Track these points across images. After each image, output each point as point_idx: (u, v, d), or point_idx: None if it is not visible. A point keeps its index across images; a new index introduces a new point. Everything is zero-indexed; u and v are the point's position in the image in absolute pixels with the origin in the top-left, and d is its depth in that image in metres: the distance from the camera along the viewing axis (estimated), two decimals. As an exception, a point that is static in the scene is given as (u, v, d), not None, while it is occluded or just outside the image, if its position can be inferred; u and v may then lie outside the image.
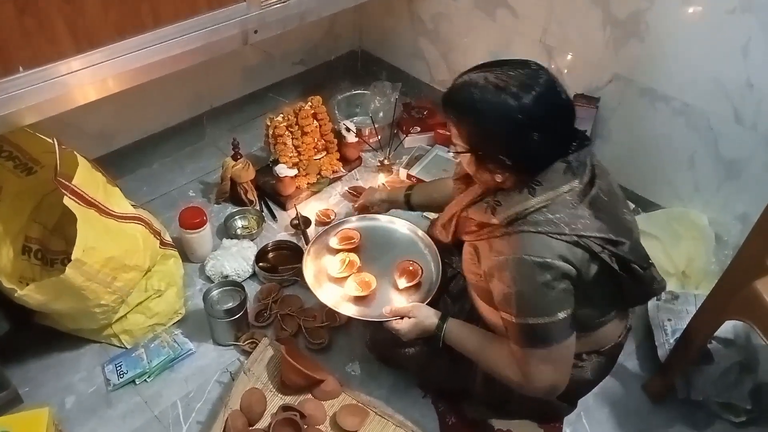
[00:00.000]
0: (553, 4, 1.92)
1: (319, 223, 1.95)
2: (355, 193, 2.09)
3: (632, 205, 1.96)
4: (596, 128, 1.97)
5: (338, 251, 1.57)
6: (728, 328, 1.53)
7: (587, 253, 1.12)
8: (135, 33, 1.47)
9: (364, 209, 1.77)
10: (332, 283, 1.51)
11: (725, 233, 1.84)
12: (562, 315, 1.13)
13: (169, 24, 1.51)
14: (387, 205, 1.75)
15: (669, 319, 1.65)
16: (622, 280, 1.19)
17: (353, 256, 1.55)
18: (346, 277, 1.50)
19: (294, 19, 1.79)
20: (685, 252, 1.78)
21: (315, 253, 1.57)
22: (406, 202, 1.70)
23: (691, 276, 1.78)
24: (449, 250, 1.56)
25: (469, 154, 1.17)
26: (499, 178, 1.16)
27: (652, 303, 1.71)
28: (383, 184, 2.03)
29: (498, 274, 1.16)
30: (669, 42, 1.73)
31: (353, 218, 1.68)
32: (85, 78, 1.42)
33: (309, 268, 1.53)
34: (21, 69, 1.33)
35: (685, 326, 1.51)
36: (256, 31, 1.70)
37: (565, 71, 1.98)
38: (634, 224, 1.23)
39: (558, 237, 1.10)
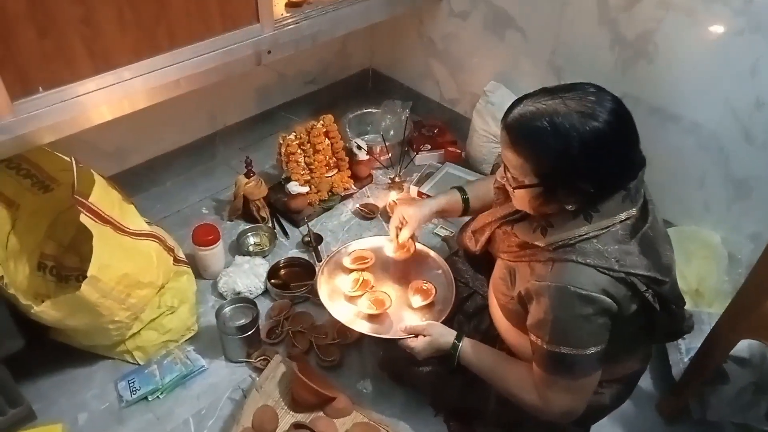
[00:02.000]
0: (561, 25, 1.94)
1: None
2: (366, 210, 2.10)
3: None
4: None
5: (352, 271, 1.58)
6: (743, 347, 1.51)
7: (630, 291, 1.09)
8: (151, 54, 1.50)
9: (402, 227, 1.55)
10: (346, 301, 1.52)
11: (737, 252, 1.83)
12: (593, 349, 1.10)
13: (185, 45, 1.55)
14: (439, 216, 1.62)
15: (683, 338, 1.64)
16: (657, 319, 1.15)
17: (367, 275, 1.56)
18: (359, 296, 1.51)
19: (307, 39, 1.82)
20: (697, 270, 1.77)
21: (329, 273, 1.58)
22: (465, 208, 1.55)
23: (704, 294, 1.77)
24: (463, 269, 1.56)
25: (534, 187, 1.10)
26: (570, 207, 1.10)
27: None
28: (395, 201, 2.04)
29: (537, 299, 1.13)
30: (678, 62, 1.74)
31: (365, 239, 1.69)
32: (102, 98, 1.45)
33: (323, 287, 1.53)
34: (41, 89, 1.36)
35: (699, 345, 1.50)
36: (269, 52, 1.73)
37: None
38: (673, 261, 1.19)
39: (605, 271, 1.07)
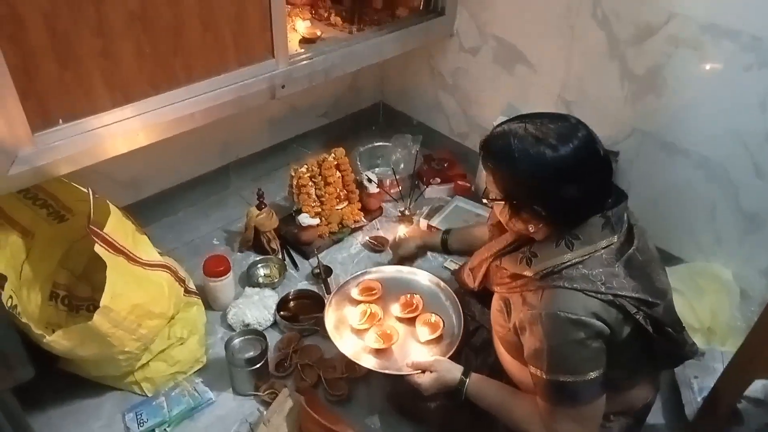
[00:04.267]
0: (571, 60, 1.97)
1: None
2: (375, 243, 2.10)
3: (654, 258, 1.95)
4: (616, 181, 1.97)
5: (359, 302, 1.58)
6: (758, 387, 1.48)
7: (621, 314, 1.10)
8: (168, 88, 1.53)
9: (402, 262, 1.81)
10: (353, 334, 1.51)
11: (750, 288, 1.82)
12: (593, 374, 1.11)
13: (201, 79, 1.58)
14: (423, 251, 1.81)
15: (695, 377, 1.61)
16: (654, 343, 1.16)
17: (375, 308, 1.55)
18: (367, 329, 1.50)
19: (320, 75, 1.86)
20: (709, 307, 1.76)
21: (336, 304, 1.58)
22: (443, 245, 1.72)
23: (716, 332, 1.75)
24: (471, 302, 1.56)
25: (503, 202, 1.18)
26: (532, 228, 1.16)
27: (677, 359, 1.67)
28: (404, 234, 2.05)
29: (530, 328, 1.14)
30: (687, 97, 1.75)
31: (374, 269, 1.70)
32: (120, 130, 1.48)
33: (330, 318, 1.53)
34: (60, 121, 1.39)
35: (712, 384, 1.47)
36: (283, 86, 1.76)
37: (584, 125, 2.01)
38: (668, 285, 1.21)
39: (593, 295, 1.09)
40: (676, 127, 1.81)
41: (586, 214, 1.13)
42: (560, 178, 1.09)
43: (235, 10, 1.54)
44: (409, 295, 1.60)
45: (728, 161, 1.74)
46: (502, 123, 1.17)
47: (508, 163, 1.12)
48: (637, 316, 1.11)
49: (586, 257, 1.12)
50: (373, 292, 1.60)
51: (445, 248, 1.73)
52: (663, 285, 1.19)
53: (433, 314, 1.53)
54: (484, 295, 1.47)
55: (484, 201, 1.24)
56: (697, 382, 1.60)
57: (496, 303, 1.31)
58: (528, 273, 1.16)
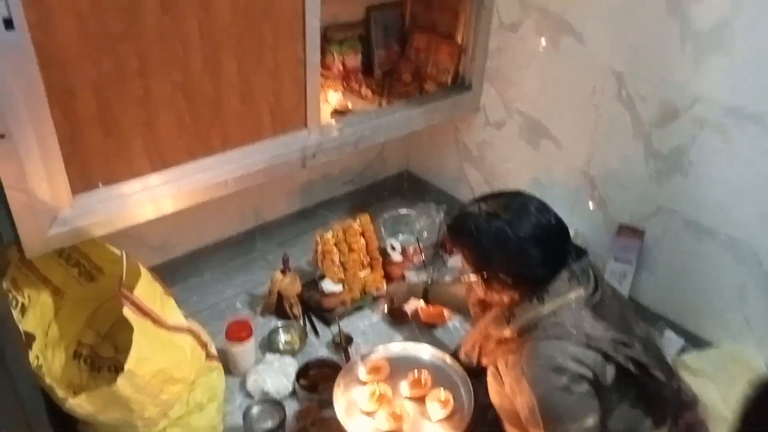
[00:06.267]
0: (595, 137, 2.00)
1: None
2: (394, 317, 2.08)
3: (681, 341, 1.92)
4: (641, 259, 1.97)
5: (368, 383, 1.57)
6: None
7: (600, 355, 1.15)
8: (204, 155, 1.59)
9: (388, 295, 2.00)
10: (364, 416, 1.50)
11: (784, 374, 1.76)
12: (590, 421, 1.13)
13: (236, 148, 1.64)
14: (409, 295, 1.95)
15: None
16: (645, 386, 1.20)
17: (384, 387, 1.55)
18: (377, 410, 1.49)
19: (349, 145, 1.91)
20: (741, 395, 1.69)
21: (345, 386, 1.58)
22: (424, 295, 1.86)
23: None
24: (481, 373, 1.55)
25: (476, 276, 1.28)
26: (506, 297, 1.26)
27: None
28: (423, 307, 2.04)
29: (518, 387, 1.19)
30: (713, 178, 1.76)
31: (380, 347, 1.70)
32: (155, 195, 1.52)
33: (340, 401, 1.54)
34: (100, 185, 1.44)
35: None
36: (314, 156, 1.81)
37: (608, 201, 2.02)
38: (648, 330, 1.30)
39: (567, 340, 1.15)
40: (703, 206, 1.81)
41: (549, 275, 1.22)
42: (516, 248, 1.20)
43: (273, 85, 1.61)
44: (416, 372, 1.60)
45: (757, 243, 1.73)
46: (464, 205, 1.33)
47: (470, 240, 1.25)
48: (617, 356, 1.15)
49: (558, 308, 1.19)
50: (381, 371, 1.60)
51: (425, 298, 1.86)
52: (642, 330, 1.27)
53: (442, 389, 1.52)
54: (484, 372, 1.49)
55: (462, 278, 1.37)
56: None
57: (490, 373, 1.38)
58: (507, 333, 1.24)
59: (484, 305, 1.40)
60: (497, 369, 1.31)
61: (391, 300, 2.01)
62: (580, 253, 1.29)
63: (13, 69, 1.16)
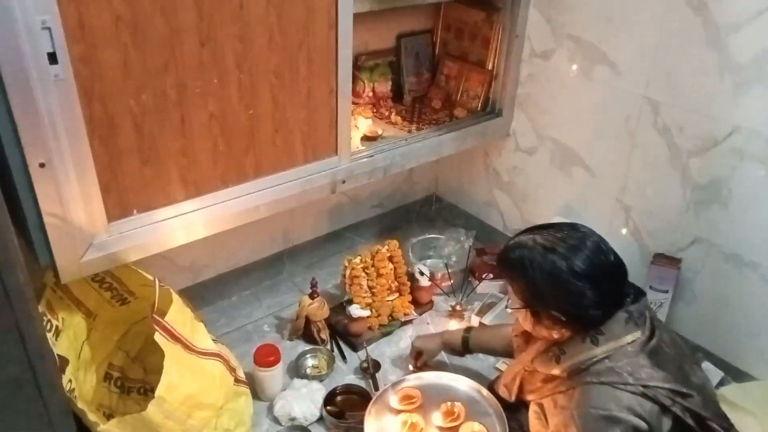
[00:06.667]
0: (630, 166, 1.97)
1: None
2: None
3: (721, 374, 1.85)
4: (678, 290, 1.92)
5: (399, 411, 1.55)
6: None
7: (656, 406, 1.09)
8: (237, 182, 1.60)
9: (419, 357, 1.82)
10: None
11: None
12: None
13: (268, 174, 1.65)
14: (445, 351, 1.81)
15: None
16: None
17: (416, 417, 1.53)
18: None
19: (379, 171, 1.91)
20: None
21: (376, 413, 1.56)
22: (464, 346, 1.72)
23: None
24: (516, 408, 1.51)
25: (524, 310, 1.23)
26: (555, 334, 1.20)
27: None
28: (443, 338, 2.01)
29: (565, 431, 1.13)
30: (754, 209, 1.71)
31: (413, 376, 1.68)
32: (189, 221, 1.54)
33: (371, 428, 1.52)
34: (135, 212, 1.46)
35: None
36: (344, 182, 1.82)
37: (644, 230, 1.98)
38: (705, 380, 1.21)
39: (623, 387, 1.09)
40: (743, 238, 1.76)
41: (605, 316, 1.15)
42: (572, 285, 1.13)
43: (305, 114, 1.62)
44: (450, 403, 1.57)
45: (799, 277, 1.68)
46: (516, 235, 1.26)
47: (523, 273, 1.19)
48: (674, 409, 1.09)
49: (612, 352, 1.13)
50: (413, 400, 1.58)
51: (465, 348, 1.72)
52: (698, 379, 1.19)
53: (476, 423, 1.49)
54: (522, 407, 1.45)
55: (509, 310, 1.30)
56: None
57: (532, 411, 1.31)
58: (556, 371, 1.18)
59: (528, 337, 1.34)
60: (541, 407, 1.26)
61: (418, 353, 1.84)
62: (639, 294, 1.22)
63: (56, 101, 1.19)
